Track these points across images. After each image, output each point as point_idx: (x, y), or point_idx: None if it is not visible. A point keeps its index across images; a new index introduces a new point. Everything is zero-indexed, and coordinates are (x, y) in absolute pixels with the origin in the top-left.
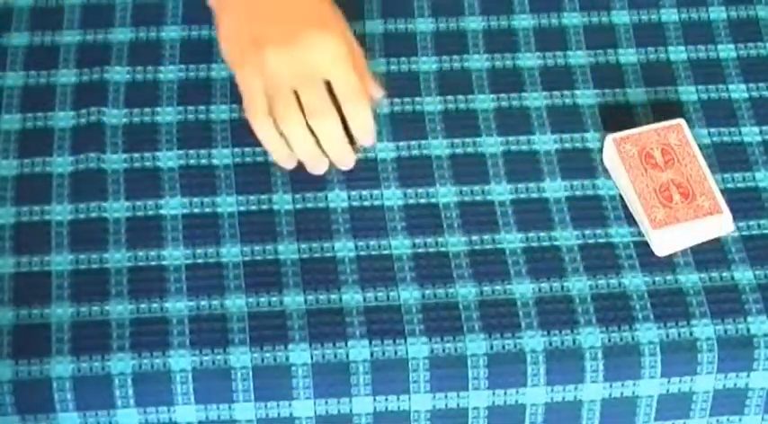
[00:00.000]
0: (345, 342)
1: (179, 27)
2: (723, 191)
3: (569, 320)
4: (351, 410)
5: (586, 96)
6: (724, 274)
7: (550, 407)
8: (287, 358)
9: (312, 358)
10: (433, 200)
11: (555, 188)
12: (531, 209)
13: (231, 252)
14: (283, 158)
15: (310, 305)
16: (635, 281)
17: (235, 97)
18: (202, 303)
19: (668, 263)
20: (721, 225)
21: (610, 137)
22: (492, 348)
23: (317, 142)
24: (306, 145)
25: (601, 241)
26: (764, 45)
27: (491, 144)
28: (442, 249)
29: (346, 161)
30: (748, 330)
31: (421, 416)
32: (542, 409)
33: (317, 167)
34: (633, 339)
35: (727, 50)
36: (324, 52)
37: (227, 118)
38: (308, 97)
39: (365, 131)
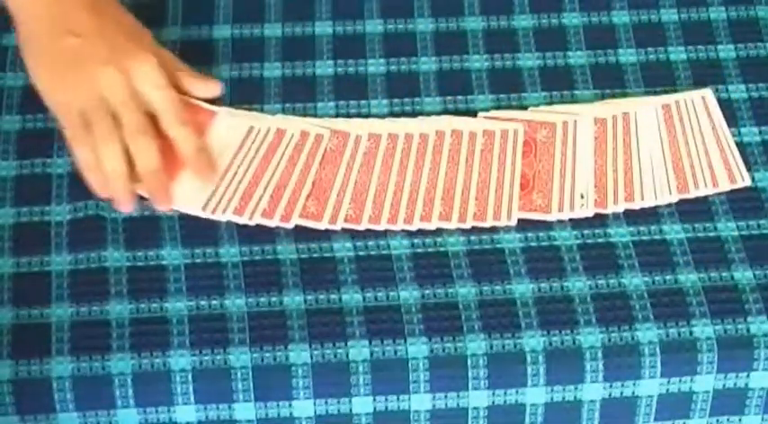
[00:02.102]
0: (345, 342)
1: (179, 27)
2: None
3: (569, 320)
4: (351, 410)
5: (586, 96)
6: (724, 274)
7: (550, 407)
8: (287, 358)
9: (312, 358)
10: None
11: None
12: None
13: (230, 252)
14: (101, 185)
15: (310, 305)
16: (635, 281)
17: (235, 98)
18: (202, 303)
19: (668, 263)
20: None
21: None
22: (492, 348)
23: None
24: (118, 165)
25: (600, 241)
26: (764, 45)
27: None
28: (442, 249)
29: (159, 191)
30: (748, 330)
31: (421, 416)
32: (542, 409)
33: (123, 198)
34: (633, 339)
35: (726, 50)
36: (146, 74)
37: None
38: (130, 118)
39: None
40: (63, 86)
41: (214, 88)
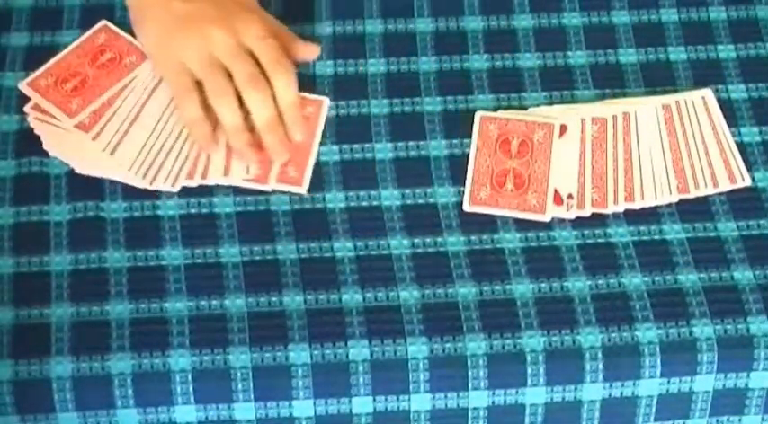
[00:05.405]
0: (345, 342)
1: None
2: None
3: (569, 320)
4: (351, 410)
5: (586, 96)
6: (724, 274)
7: (550, 407)
8: (287, 358)
9: (312, 358)
10: (431, 200)
11: None
12: None
13: (231, 252)
14: (208, 138)
15: (310, 305)
16: (635, 281)
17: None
18: (202, 303)
19: (668, 263)
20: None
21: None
22: (492, 348)
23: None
24: (236, 118)
25: (600, 241)
26: (764, 45)
27: None
28: (442, 249)
29: (278, 142)
30: (748, 330)
31: (421, 416)
32: (542, 409)
33: (245, 151)
34: (633, 339)
35: (726, 50)
36: (253, 32)
37: None
38: (242, 68)
39: (289, 96)
40: (173, 47)
41: (313, 50)
